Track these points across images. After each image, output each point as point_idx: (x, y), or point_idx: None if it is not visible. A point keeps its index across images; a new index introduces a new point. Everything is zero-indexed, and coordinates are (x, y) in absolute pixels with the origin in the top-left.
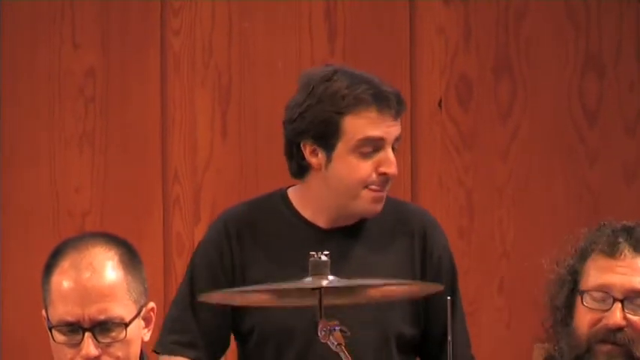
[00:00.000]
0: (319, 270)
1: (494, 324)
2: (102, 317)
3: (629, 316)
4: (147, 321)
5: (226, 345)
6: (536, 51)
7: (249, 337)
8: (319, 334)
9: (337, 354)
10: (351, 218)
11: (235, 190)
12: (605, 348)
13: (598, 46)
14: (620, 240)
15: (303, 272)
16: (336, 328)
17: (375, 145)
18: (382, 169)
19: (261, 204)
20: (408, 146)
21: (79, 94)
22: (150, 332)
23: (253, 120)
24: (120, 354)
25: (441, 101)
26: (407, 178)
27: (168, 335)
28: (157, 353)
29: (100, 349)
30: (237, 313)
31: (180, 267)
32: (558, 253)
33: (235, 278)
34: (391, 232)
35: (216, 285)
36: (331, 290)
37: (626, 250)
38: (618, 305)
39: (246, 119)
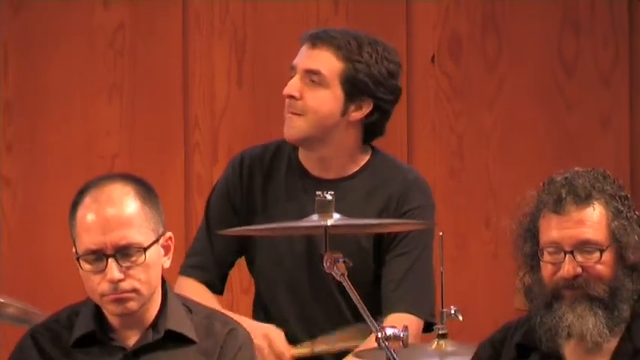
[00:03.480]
0: (325, 208)
1: (483, 255)
2: (123, 243)
3: (581, 263)
4: (166, 249)
5: (231, 268)
6: (520, 10)
7: (252, 263)
8: (324, 264)
9: (326, 283)
10: (337, 168)
11: (249, 135)
12: (568, 294)
13: (575, 4)
14: (564, 196)
15: (291, 219)
16: (340, 259)
17: (293, 71)
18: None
19: (275, 149)
20: (405, 97)
21: (109, 47)
22: (169, 260)
23: (266, 71)
24: (141, 276)
25: (434, 56)
26: (403, 125)
27: (187, 259)
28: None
29: (123, 273)
30: (244, 245)
31: (200, 205)
32: (515, 214)
33: (242, 214)
34: (373, 191)
35: (226, 216)
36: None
37: (570, 205)
38: (569, 257)
39: (260, 70)
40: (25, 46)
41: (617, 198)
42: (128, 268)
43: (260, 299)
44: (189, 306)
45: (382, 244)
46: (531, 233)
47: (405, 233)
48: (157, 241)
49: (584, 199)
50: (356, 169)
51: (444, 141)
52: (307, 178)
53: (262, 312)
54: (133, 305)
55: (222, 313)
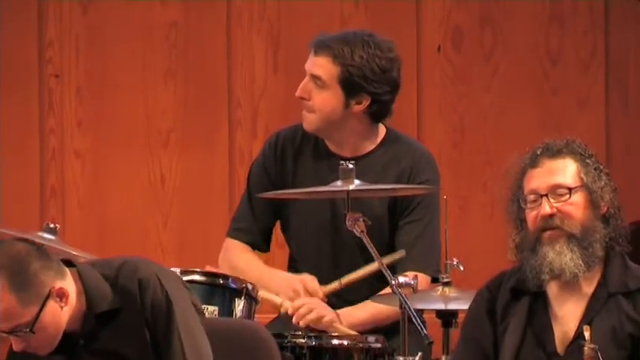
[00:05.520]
0: (347, 175)
1: (480, 216)
2: (9, 328)
3: (555, 204)
4: (61, 297)
5: (271, 230)
6: (512, 8)
7: (286, 227)
8: (347, 223)
9: (347, 243)
10: (353, 148)
11: (284, 114)
12: (547, 234)
13: (560, 3)
14: (539, 153)
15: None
16: (360, 218)
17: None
18: None
19: (304, 130)
20: (415, 82)
21: (165, 40)
22: (68, 300)
23: (297, 59)
24: (40, 337)
25: (439, 47)
26: (414, 106)
27: (232, 223)
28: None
29: (24, 342)
30: (279, 211)
31: (241, 174)
32: (505, 182)
33: (277, 184)
34: (388, 167)
35: (264, 186)
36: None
37: (543, 159)
38: (545, 199)
39: (292, 59)
40: (93, 39)
41: (586, 155)
42: (25, 338)
43: (292, 259)
44: (106, 274)
45: (395, 211)
46: (518, 195)
47: (416, 203)
48: (43, 306)
49: (555, 153)
50: (372, 147)
51: (449, 118)
52: (330, 156)
53: (294, 270)
54: (45, 351)
55: (129, 264)
